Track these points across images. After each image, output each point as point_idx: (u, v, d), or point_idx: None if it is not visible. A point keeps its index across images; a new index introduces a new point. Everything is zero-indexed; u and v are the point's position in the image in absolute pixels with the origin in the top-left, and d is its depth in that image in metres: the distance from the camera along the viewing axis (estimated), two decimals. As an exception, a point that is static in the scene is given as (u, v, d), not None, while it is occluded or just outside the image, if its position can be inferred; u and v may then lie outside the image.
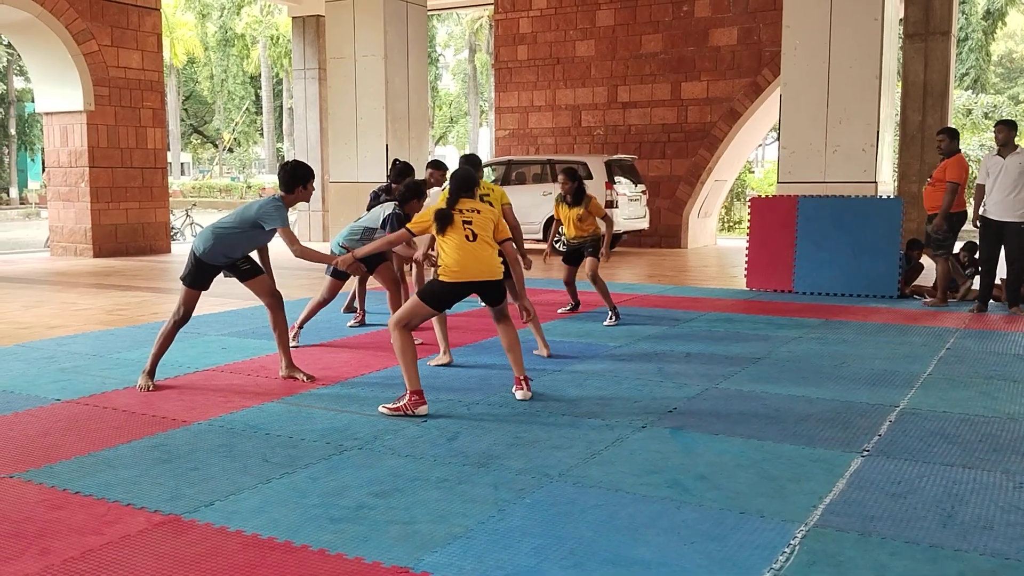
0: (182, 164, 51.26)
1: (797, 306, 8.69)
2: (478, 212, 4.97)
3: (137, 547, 3.00)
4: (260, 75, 47.20)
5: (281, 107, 47.41)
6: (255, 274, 5.41)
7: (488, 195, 6.55)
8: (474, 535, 3.09)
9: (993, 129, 8.39)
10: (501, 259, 5.03)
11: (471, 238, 4.87)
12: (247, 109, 50.20)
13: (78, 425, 4.48)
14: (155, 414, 4.67)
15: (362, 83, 11.39)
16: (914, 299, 9.14)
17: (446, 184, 8.38)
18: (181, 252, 15.02)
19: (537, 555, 2.93)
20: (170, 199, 16.48)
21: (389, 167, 7.87)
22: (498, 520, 3.23)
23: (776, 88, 13.11)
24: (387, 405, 4.71)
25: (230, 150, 54.01)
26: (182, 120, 50.87)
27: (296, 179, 5.20)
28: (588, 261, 7.61)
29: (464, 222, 4.89)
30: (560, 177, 7.56)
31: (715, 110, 15.93)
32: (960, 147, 8.72)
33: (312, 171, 5.36)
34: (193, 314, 5.41)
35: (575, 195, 7.49)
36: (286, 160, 5.43)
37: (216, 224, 5.32)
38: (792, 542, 3.04)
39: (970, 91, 32.16)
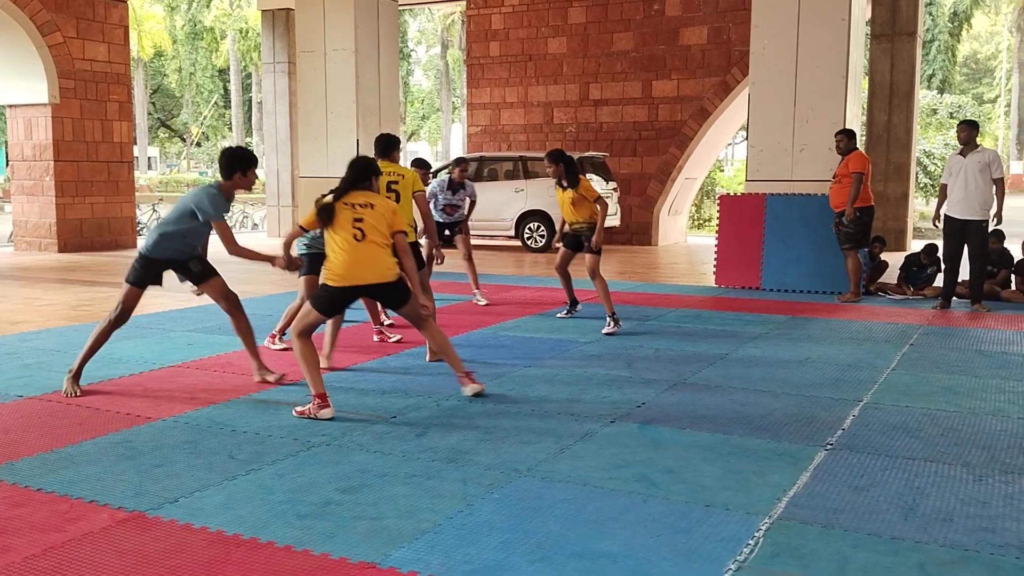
0: (149, 158, 50.63)
1: (764, 303, 8.77)
2: (372, 206, 4.60)
3: (100, 544, 2.97)
4: (229, 69, 46.71)
5: (250, 101, 46.95)
6: (207, 276, 5.17)
7: (397, 182, 6.07)
8: (442, 530, 3.09)
9: (956, 129, 8.54)
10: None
11: (359, 238, 4.53)
12: (215, 103, 49.67)
13: (41, 421, 4.42)
14: (119, 410, 4.61)
15: (332, 78, 11.32)
16: (879, 296, 9.26)
17: (435, 181, 8.29)
18: (148, 247, 14.86)
19: (505, 549, 2.93)
20: (137, 194, 16.28)
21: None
22: (466, 515, 3.23)
23: (745, 87, 13.22)
24: (297, 408, 4.54)
25: (198, 144, 53.44)
26: (149, 114, 50.22)
27: (234, 165, 4.90)
28: (588, 258, 7.22)
29: (354, 219, 4.53)
30: (545, 160, 7.35)
31: (685, 108, 16.03)
32: (857, 145, 8.94)
33: (254, 158, 5.04)
34: (132, 314, 5.14)
35: (568, 177, 7.15)
36: (226, 147, 5.21)
37: (159, 223, 5.10)
38: (756, 534, 3.08)
39: (936, 91, 32.62)
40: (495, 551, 2.92)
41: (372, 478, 3.60)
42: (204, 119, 49.77)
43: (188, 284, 5.29)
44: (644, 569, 2.80)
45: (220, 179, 5.02)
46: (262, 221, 19.91)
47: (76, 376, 5.03)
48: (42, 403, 4.77)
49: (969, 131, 8.24)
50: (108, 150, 14.32)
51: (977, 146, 8.19)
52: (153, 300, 8.85)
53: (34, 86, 13.39)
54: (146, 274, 5.06)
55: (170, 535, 3.04)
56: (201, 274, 5.17)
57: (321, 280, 4.78)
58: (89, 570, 2.78)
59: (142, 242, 5.11)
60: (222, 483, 3.54)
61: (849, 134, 8.77)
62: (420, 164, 7.71)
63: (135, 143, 19.05)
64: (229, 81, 47.48)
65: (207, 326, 7.11)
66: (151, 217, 18.94)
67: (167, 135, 56.10)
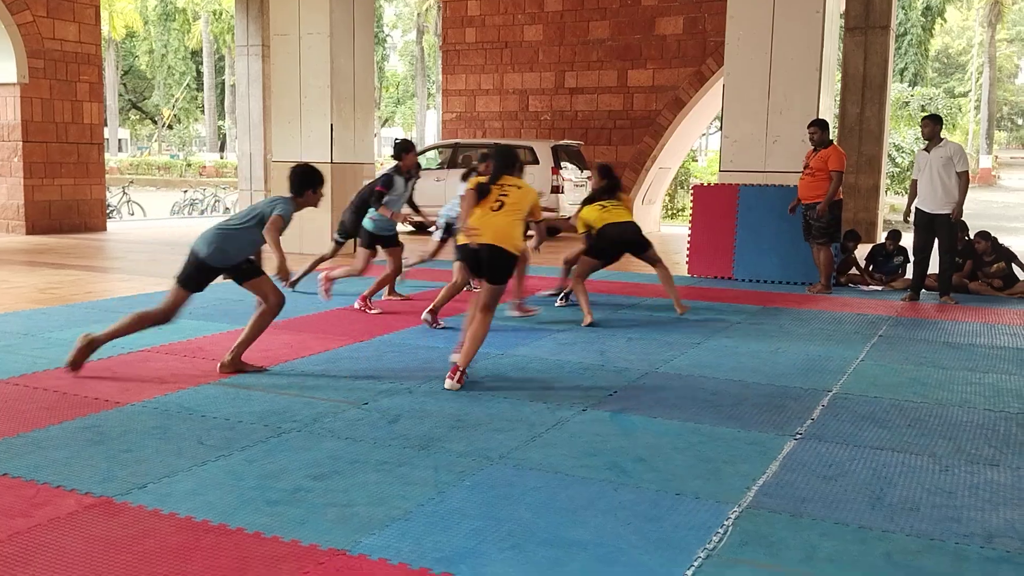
0: (120, 140, 49.96)
1: (736, 293, 8.83)
2: (518, 188, 5.27)
3: (67, 529, 2.94)
4: (202, 51, 46.14)
5: (223, 84, 46.42)
6: (257, 274, 5.11)
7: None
8: (413, 517, 3.08)
9: (919, 124, 8.60)
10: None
11: (496, 208, 5.13)
12: (188, 85, 49.06)
13: (7, 405, 4.35)
14: (88, 395, 4.56)
15: (307, 61, 11.20)
16: (849, 288, 9.36)
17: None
18: (116, 230, 14.68)
19: (476, 537, 2.94)
20: (108, 176, 16.06)
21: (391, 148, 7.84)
22: (437, 502, 3.23)
23: (720, 78, 13.26)
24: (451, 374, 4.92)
25: (170, 127, 52.78)
26: (120, 95, 49.50)
27: (305, 183, 5.10)
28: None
29: (500, 195, 5.19)
30: (596, 173, 7.55)
31: (660, 98, 16.07)
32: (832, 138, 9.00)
33: (323, 177, 5.23)
34: (176, 315, 5.04)
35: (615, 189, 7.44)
36: (296, 164, 5.27)
37: (221, 224, 5.05)
38: (726, 523, 3.10)
39: (908, 85, 32.90)
40: (466, 539, 2.92)
41: (343, 465, 3.59)
42: (176, 102, 49.14)
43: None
44: (614, 557, 2.82)
45: (290, 194, 5.09)
46: (234, 205, 19.71)
47: (90, 348, 4.89)
48: (9, 387, 4.70)
49: (932, 126, 8.31)
50: (78, 131, 14.10)
51: (941, 140, 8.27)
52: (121, 284, 8.75)
53: (2, 65, 13.13)
54: (198, 277, 4.99)
55: (138, 521, 3.01)
56: (250, 271, 5.11)
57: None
58: (56, 556, 2.74)
59: (196, 242, 4.98)
60: (191, 469, 3.51)
61: (823, 126, 8.80)
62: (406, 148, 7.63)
63: (106, 125, 18.79)
64: (202, 63, 46.90)
65: (177, 311, 7.02)
66: (121, 200, 18.69)
67: (138, 117, 55.33)
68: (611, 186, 7.38)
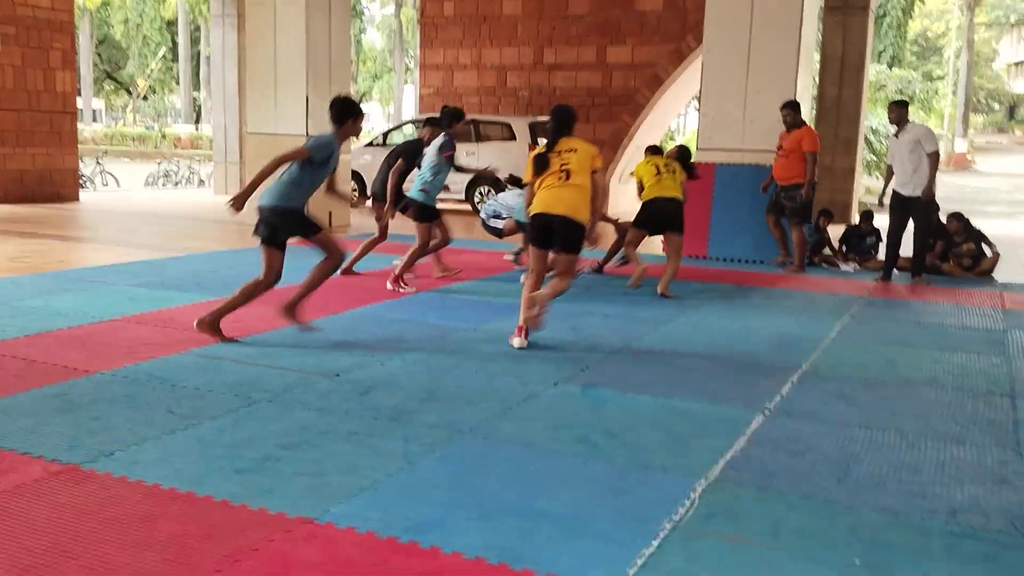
0: (94, 111, 49.16)
1: (711, 271, 8.87)
2: (575, 151, 5.35)
3: (32, 496, 2.91)
4: (177, 21, 45.42)
5: (199, 55, 45.76)
6: (319, 229, 5.26)
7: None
8: (382, 487, 3.08)
9: (887, 111, 8.62)
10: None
11: (563, 180, 5.27)
12: (163, 56, 48.34)
13: (-28, 374, 4.30)
14: (57, 363, 4.51)
15: (282, 32, 11.04)
16: (823, 268, 9.42)
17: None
18: (89, 201, 14.47)
19: (445, 507, 2.94)
20: (81, 146, 15.81)
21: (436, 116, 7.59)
22: (407, 473, 3.23)
23: (699, 55, 13.22)
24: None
25: (145, 98, 52.02)
26: (95, 65, 48.66)
27: (345, 112, 5.22)
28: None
29: (562, 164, 5.29)
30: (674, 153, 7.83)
31: (639, 75, 16.00)
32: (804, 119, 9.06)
33: (361, 108, 5.40)
34: (278, 274, 5.16)
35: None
36: (334, 97, 5.44)
37: (281, 174, 5.17)
38: (692, 496, 3.13)
39: (886, 67, 33.01)
40: (435, 508, 2.93)
41: (313, 435, 3.58)
42: (151, 72, 48.41)
43: None
44: (582, 528, 2.84)
45: (333, 128, 5.24)
46: (208, 178, 19.48)
47: (214, 324, 5.08)
48: (-26, 355, 4.64)
49: (898, 111, 8.34)
50: (50, 100, 13.85)
51: (908, 123, 8.31)
52: (93, 254, 8.65)
53: (-30, 29, 12.86)
54: (289, 226, 5.12)
55: (105, 488, 2.99)
56: (314, 226, 5.24)
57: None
58: (21, 523, 2.72)
59: (264, 200, 5.14)
60: (160, 437, 3.48)
61: (796, 107, 8.83)
62: (431, 121, 7.58)
63: (79, 94, 18.47)
64: (177, 34, 46.18)
65: (150, 280, 6.95)
66: (94, 171, 18.41)
67: (113, 87, 54.46)
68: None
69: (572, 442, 3.64)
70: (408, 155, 7.44)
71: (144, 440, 3.45)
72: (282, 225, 5.11)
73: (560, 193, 5.25)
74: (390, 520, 2.82)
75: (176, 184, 20.07)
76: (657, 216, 7.47)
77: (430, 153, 7.17)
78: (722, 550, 2.73)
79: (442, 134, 7.20)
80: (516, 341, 5.26)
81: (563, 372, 4.73)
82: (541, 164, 5.36)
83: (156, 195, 16.91)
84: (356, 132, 5.42)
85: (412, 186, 7.24)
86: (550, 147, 5.42)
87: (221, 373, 4.43)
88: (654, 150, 8.34)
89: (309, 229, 5.21)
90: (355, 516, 2.83)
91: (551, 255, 5.45)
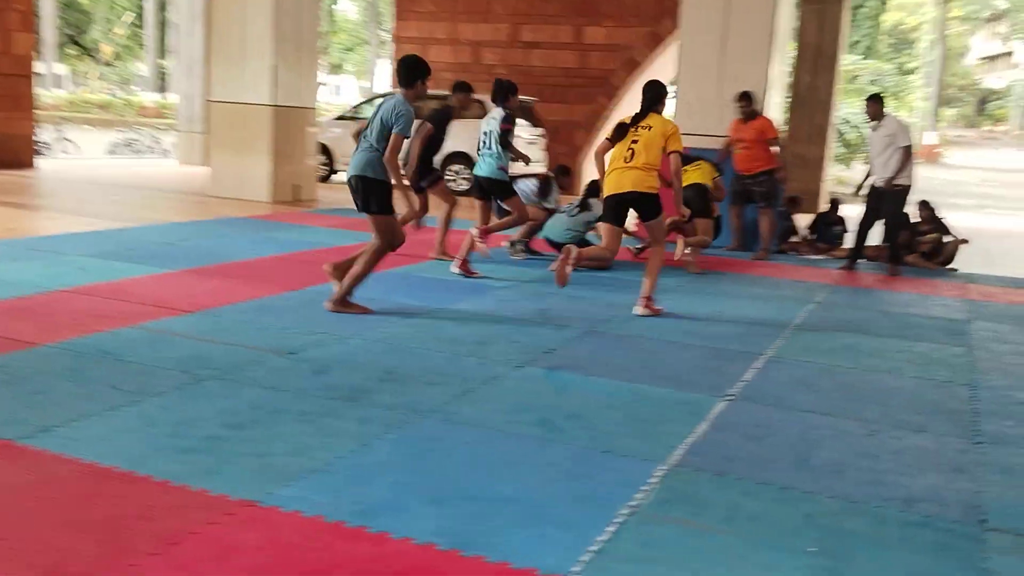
0: (59, 76, 48.04)
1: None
2: (649, 128, 5.62)
3: (-40, 473, 2.78)
4: (146, -14, 44.45)
5: (165, 21, 44.82)
6: (380, 212, 5.23)
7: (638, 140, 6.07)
8: (333, 469, 2.98)
9: (865, 104, 8.60)
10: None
11: (628, 160, 5.61)
12: (130, 22, 47.32)
13: (-91, 343, 4.12)
14: (0, 334, 4.34)
15: (251, -2, 10.77)
16: (790, 255, 9.41)
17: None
18: (47, 168, 14.09)
19: (397, 490, 2.85)
20: (43, 112, 15.39)
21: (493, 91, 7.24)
22: (360, 455, 3.13)
23: (675, 39, 13.14)
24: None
25: (110, 64, 50.94)
26: (58, 28, 47.52)
27: (413, 73, 5.24)
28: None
29: (632, 141, 5.61)
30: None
31: (615, 58, 15.90)
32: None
33: (429, 68, 5.40)
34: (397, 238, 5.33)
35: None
36: (402, 58, 5.46)
37: (367, 142, 5.17)
38: (651, 480, 3.07)
39: (861, 57, 33.16)
40: (387, 491, 2.83)
41: (263, 415, 3.46)
42: (117, 38, 47.39)
43: None
44: (538, 513, 2.76)
45: (401, 89, 5.25)
46: (173, 147, 19.10)
47: (344, 301, 5.24)
48: (-87, 324, 4.46)
49: (874, 106, 8.32)
50: (7, 62, 13.43)
51: (884, 117, 8.29)
52: (47, 223, 8.41)
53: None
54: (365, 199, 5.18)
55: (38, 465, 2.86)
56: (377, 206, 5.25)
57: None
58: (-55, 501, 2.59)
59: (356, 170, 5.18)
60: (102, 413, 3.35)
61: (751, 97, 8.79)
62: (461, 87, 7.32)
63: (39, 58, 17.96)
64: (145, -1, 45.20)
65: (102, 251, 6.75)
66: (54, 138, 17.95)
67: (77, 53, 53.26)
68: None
69: (532, 425, 3.56)
70: (439, 122, 7.18)
71: (85, 416, 3.31)
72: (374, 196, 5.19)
73: (624, 175, 5.65)
74: (339, 503, 2.72)
75: (138, 153, 19.66)
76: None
77: (493, 129, 6.98)
78: (678, 536, 2.68)
79: (499, 108, 7.05)
80: (639, 310, 5.75)
81: (528, 354, 4.64)
82: (619, 132, 5.74)
83: (117, 164, 16.54)
84: (424, 92, 5.37)
85: (485, 166, 7.00)
86: (635, 120, 5.74)
87: (171, 348, 4.29)
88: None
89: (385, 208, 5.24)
90: (302, 499, 2.73)
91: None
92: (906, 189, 8.22)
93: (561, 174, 8.71)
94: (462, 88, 7.36)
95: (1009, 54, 68.38)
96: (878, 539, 2.76)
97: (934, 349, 5.41)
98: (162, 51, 45.71)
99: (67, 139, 18.25)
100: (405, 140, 5.23)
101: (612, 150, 5.77)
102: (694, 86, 9.77)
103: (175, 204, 10.30)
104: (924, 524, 2.89)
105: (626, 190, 5.63)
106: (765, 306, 6.42)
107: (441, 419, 3.57)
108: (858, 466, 3.36)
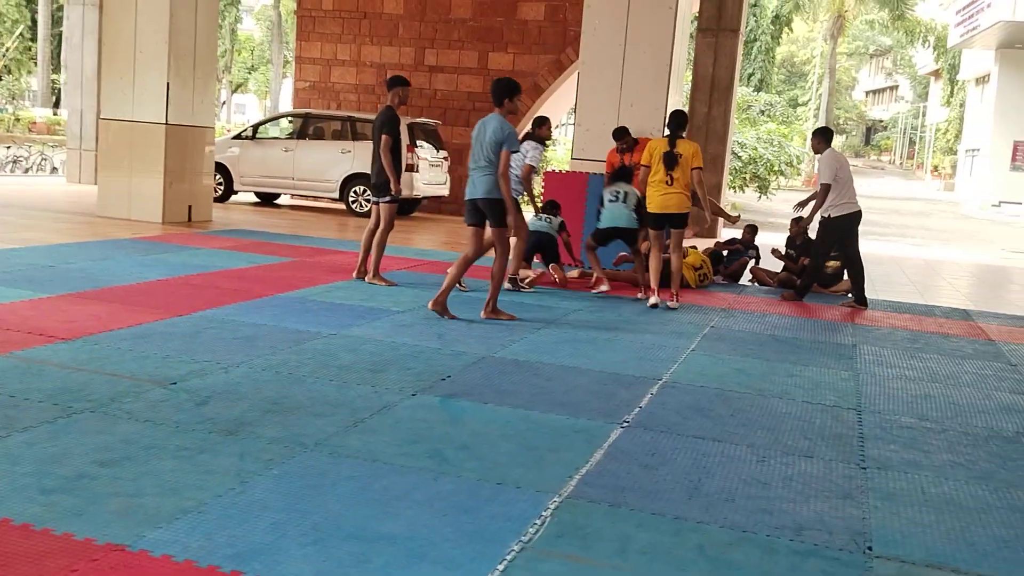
0: (-59, 89, 45.61)
1: (582, 280, 8.87)
2: (682, 156, 7.12)
3: None
4: (37, -2, 42.75)
5: (60, 35, 43.16)
6: (491, 222, 6.23)
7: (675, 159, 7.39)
8: (208, 509, 2.83)
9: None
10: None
11: (669, 183, 7.16)
12: (21, 34, 45.38)
13: None
14: None
15: (144, 12, 10.39)
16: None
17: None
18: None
19: (275, 531, 2.72)
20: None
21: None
22: (238, 493, 2.98)
23: (577, 68, 13.33)
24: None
25: (-1, 78, 48.65)
26: (-58, 39, 45.17)
27: (502, 92, 6.06)
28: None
29: (671, 167, 7.10)
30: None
31: (520, 83, 16.00)
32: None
33: (519, 86, 6.19)
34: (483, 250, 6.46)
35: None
36: (495, 80, 6.25)
37: (478, 167, 6.06)
38: (544, 513, 3.02)
39: (753, 90, 34.42)
40: (264, 533, 2.70)
41: (137, 450, 3.27)
42: (7, 51, 45.36)
43: None
44: (423, 551, 2.67)
45: (497, 109, 6.09)
46: (62, 165, 18.30)
47: (441, 306, 6.22)
48: None
49: (816, 143, 8.53)
50: None
51: (825, 151, 8.51)
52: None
53: None
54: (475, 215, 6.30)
55: None
56: (488, 217, 6.36)
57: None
58: None
59: (478, 187, 6.12)
60: (-43, 452, 3.11)
61: (625, 131, 8.91)
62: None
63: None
64: (37, 11, 43.45)
65: (-25, 275, 6.37)
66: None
67: (-38, 65, 50.70)
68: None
69: (423, 457, 3.47)
70: (390, 127, 7.32)
71: (-63, 455, 3.06)
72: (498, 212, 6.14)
73: (669, 198, 7.22)
74: (213, 546, 2.57)
75: (26, 171, 18.79)
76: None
77: (517, 154, 7.42)
78: (568, 572, 2.62)
79: (529, 139, 7.84)
80: (654, 299, 7.21)
81: (423, 382, 4.55)
82: (670, 162, 7.11)
83: (1, 182, 15.73)
84: (515, 109, 6.10)
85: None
86: (672, 146, 7.16)
87: (42, 379, 4.04)
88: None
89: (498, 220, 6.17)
90: (173, 542, 2.57)
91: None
92: (828, 220, 8.42)
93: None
94: (396, 82, 7.44)
95: (895, 87, 72.16)
96: (767, 571, 2.76)
97: (822, 373, 5.55)
98: (56, 65, 44.02)
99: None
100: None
101: (652, 173, 7.21)
102: (592, 113, 9.91)
103: (60, 224, 9.82)
104: (812, 553, 2.91)
105: (671, 211, 7.23)
106: (662, 330, 6.49)
107: (327, 453, 3.44)
108: (748, 493, 3.38)
